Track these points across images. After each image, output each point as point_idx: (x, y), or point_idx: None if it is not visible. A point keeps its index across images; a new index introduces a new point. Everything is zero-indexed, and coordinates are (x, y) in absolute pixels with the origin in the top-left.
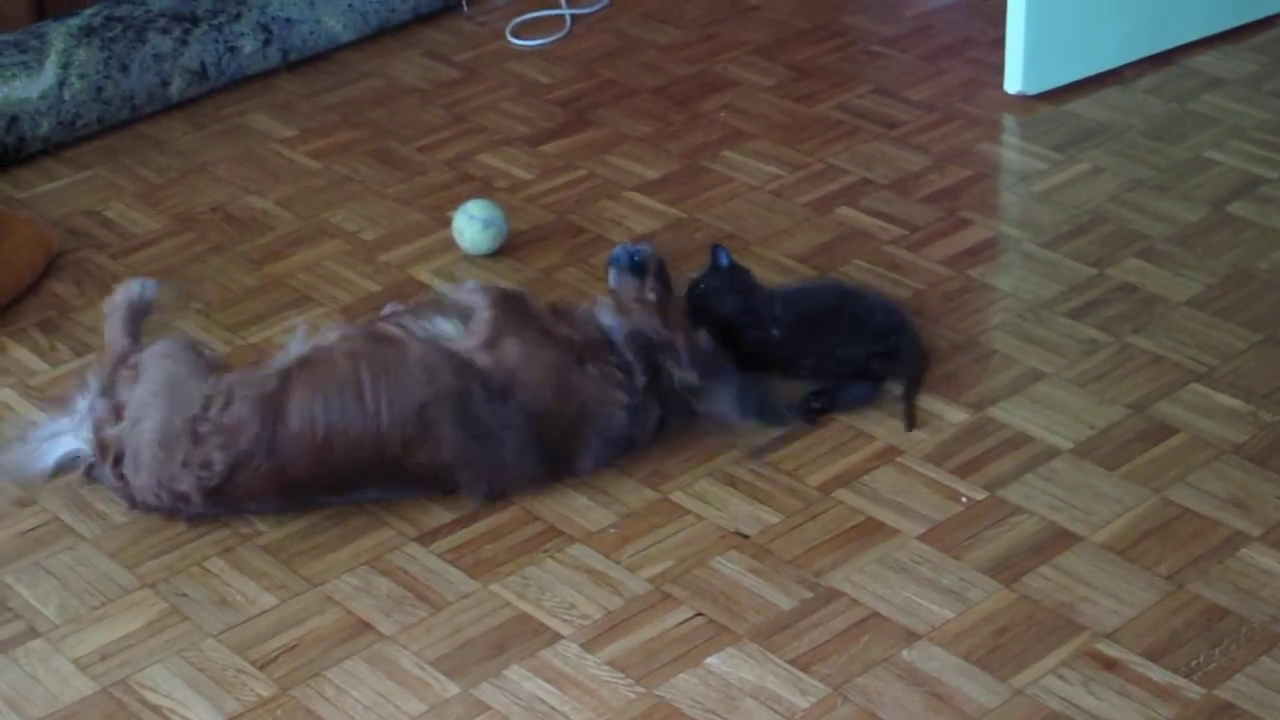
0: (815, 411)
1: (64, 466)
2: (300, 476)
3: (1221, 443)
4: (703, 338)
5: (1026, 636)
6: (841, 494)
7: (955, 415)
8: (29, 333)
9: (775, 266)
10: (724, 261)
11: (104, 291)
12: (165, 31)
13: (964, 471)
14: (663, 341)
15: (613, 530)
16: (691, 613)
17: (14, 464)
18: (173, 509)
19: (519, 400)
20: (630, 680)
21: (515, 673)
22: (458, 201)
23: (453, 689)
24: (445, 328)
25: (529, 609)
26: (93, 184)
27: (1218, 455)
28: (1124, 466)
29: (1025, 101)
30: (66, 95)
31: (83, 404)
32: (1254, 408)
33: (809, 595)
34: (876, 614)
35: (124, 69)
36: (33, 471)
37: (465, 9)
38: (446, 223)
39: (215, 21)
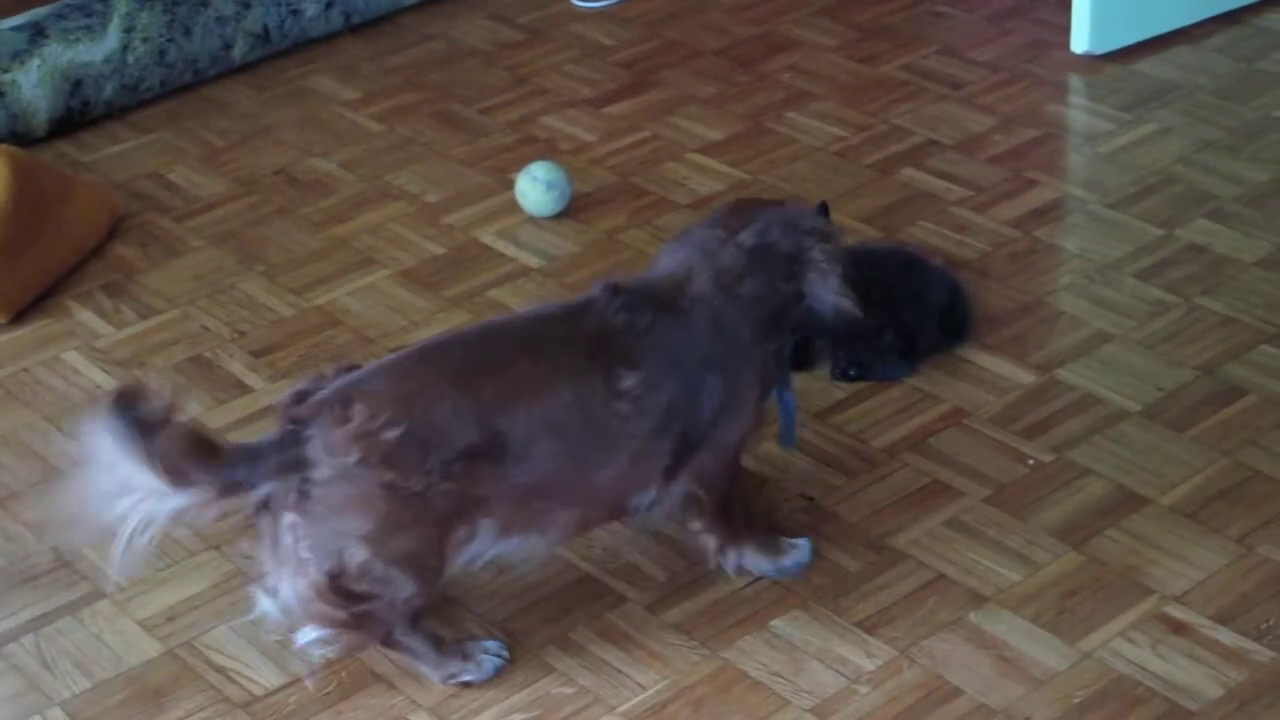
0: (849, 378)
1: None
2: None
3: None
4: None
5: (1095, 599)
6: (907, 456)
7: (1022, 377)
8: (94, 295)
9: (841, 229)
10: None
11: (168, 254)
12: None
13: (1031, 433)
14: None
15: None
16: (756, 575)
17: None
18: None
19: None
20: (695, 643)
21: (580, 635)
22: (521, 163)
23: (518, 650)
24: None
25: (594, 571)
26: (156, 147)
27: None
28: (1193, 428)
29: (1092, 61)
30: (130, 59)
31: None
32: None
33: (875, 558)
34: (943, 576)
35: (187, 32)
36: None
37: None
38: (510, 185)
39: None
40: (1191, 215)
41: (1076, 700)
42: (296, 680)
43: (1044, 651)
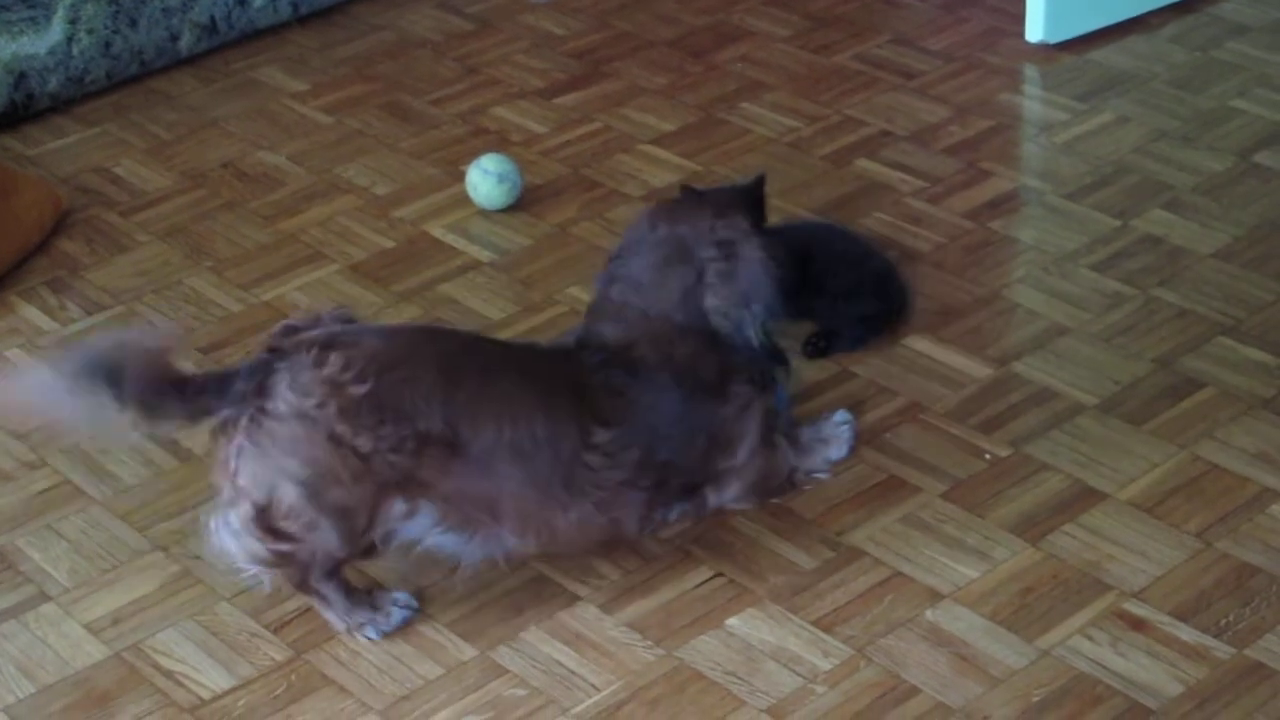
0: (819, 352)
1: None
2: None
3: (1250, 397)
4: None
5: (1052, 596)
6: (863, 451)
7: (978, 371)
8: (38, 291)
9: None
10: None
11: (114, 249)
12: None
13: (988, 428)
14: None
15: None
16: (711, 573)
17: None
18: None
19: None
20: (649, 642)
21: (533, 635)
22: (471, 156)
23: (470, 652)
24: None
25: (547, 570)
26: (102, 140)
27: (1246, 410)
28: (1150, 422)
29: (1047, 50)
30: (75, 51)
31: None
32: None
33: (831, 555)
34: (899, 574)
35: (132, 24)
36: None
37: None
38: (460, 177)
39: None
40: (1148, 206)
41: (1035, 698)
42: (245, 683)
43: (1002, 649)
